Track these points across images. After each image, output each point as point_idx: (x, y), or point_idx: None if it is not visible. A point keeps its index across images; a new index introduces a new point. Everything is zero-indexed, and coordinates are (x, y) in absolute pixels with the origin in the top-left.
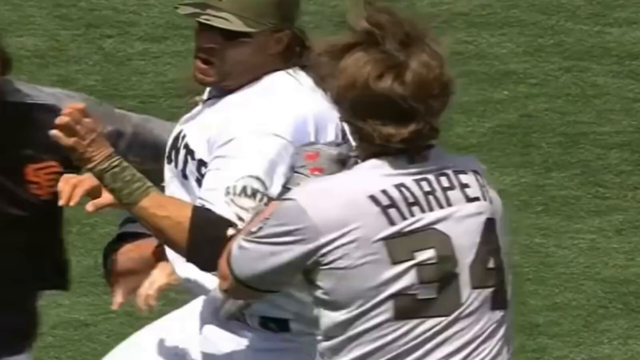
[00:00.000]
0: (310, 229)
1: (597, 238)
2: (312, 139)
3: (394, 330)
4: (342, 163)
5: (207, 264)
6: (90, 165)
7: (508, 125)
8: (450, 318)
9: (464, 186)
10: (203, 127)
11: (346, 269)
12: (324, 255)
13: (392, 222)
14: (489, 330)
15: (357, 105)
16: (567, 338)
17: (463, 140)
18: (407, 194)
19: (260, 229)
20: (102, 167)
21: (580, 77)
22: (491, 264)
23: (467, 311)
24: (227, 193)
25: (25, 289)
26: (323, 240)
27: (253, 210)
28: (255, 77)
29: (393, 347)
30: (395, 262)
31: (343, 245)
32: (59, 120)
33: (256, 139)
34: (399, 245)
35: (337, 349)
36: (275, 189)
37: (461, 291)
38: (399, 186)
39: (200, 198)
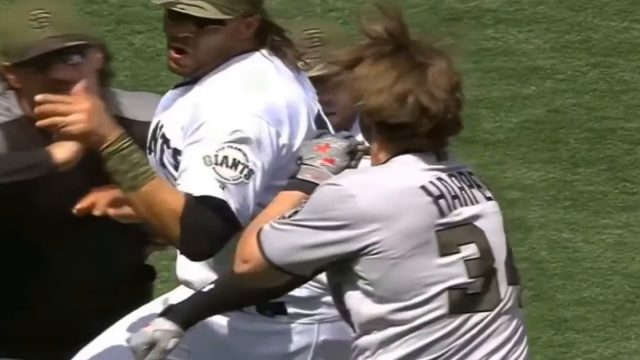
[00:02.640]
0: (358, 215)
1: (624, 233)
2: (287, 123)
3: (448, 325)
4: (352, 155)
5: (198, 256)
6: (102, 147)
7: (536, 121)
8: (494, 313)
9: (479, 186)
10: (177, 115)
11: (399, 259)
12: (372, 244)
13: (442, 214)
14: (520, 331)
15: (382, 110)
16: (595, 333)
17: (491, 135)
18: (450, 187)
19: (296, 212)
20: (113, 149)
21: (607, 73)
22: (514, 263)
23: (507, 308)
24: (209, 163)
25: (121, 296)
26: (370, 228)
27: (235, 181)
28: (226, 60)
29: (447, 342)
30: (443, 255)
31: (393, 235)
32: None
33: (228, 120)
34: (447, 238)
35: (387, 343)
36: (254, 163)
37: (500, 287)
38: (439, 180)
39: (180, 184)
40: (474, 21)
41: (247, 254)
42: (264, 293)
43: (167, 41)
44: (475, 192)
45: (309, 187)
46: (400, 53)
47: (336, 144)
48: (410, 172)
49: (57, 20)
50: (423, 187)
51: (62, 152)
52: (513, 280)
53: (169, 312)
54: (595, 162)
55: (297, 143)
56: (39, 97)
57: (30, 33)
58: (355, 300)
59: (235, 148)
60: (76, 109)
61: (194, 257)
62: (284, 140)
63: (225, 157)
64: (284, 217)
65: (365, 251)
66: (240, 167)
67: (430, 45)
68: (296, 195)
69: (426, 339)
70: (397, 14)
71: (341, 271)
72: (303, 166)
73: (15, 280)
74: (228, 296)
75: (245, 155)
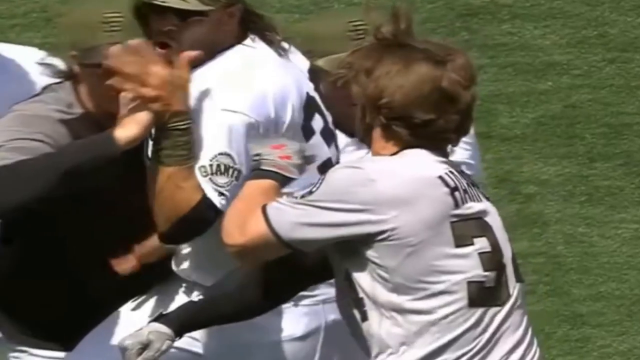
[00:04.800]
0: (377, 200)
1: None
2: (273, 115)
3: (468, 319)
4: (303, 157)
5: (175, 242)
6: (166, 117)
7: (552, 116)
8: (507, 309)
9: (477, 185)
10: None
11: (415, 246)
12: (389, 230)
13: (457, 205)
14: (530, 331)
15: (408, 105)
16: (610, 328)
17: (507, 130)
18: (460, 181)
19: (310, 192)
20: (171, 125)
21: (624, 68)
22: (517, 261)
23: (517, 304)
24: (205, 174)
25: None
26: (388, 214)
27: (228, 186)
28: (214, 54)
29: (470, 337)
30: (458, 246)
31: (410, 222)
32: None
33: (217, 117)
34: (461, 230)
35: (411, 338)
36: (241, 162)
37: (509, 283)
38: (452, 173)
39: None
40: (489, 16)
41: (248, 226)
42: (250, 308)
43: (151, 37)
44: (477, 190)
45: (274, 177)
46: (417, 52)
47: (289, 143)
48: (426, 163)
49: (129, 26)
50: (440, 177)
51: (124, 131)
52: (518, 277)
53: (161, 318)
54: (611, 156)
55: (283, 131)
56: (133, 42)
57: (97, 35)
58: (368, 286)
59: (225, 154)
60: (155, 71)
61: (172, 241)
62: (269, 133)
63: (218, 166)
64: (295, 197)
65: (382, 236)
66: (231, 171)
67: (442, 44)
68: (264, 182)
69: (449, 333)
70: (407, 17)
71: (350, 256)
72: (263, 160)
73: (66, 277)
74: (216, 308)
75: (232, 158)
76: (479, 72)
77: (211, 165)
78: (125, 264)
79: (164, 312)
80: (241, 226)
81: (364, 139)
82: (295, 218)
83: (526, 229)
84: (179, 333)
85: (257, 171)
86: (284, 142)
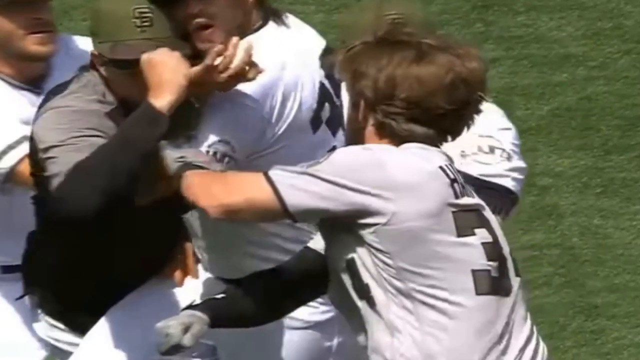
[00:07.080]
0: (383, 183)
1: None
2: (278, 104)
3: (477, 308)
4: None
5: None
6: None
7: (567, 108)
8: (512, 300)
9: (470, 184)
10: None
11: (417, 232)
12: (390, 213)
13: (456, 196)
14: (535, 328)
15: (429, 96)
16: (625, 319)
17: (522, 123)
18: (457, 175)
19: (318, 163)
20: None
21: (639, 60)
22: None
23: (519, 297)
24: None
25: None
26: (391, 198)
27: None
28: (237, 34)
29: (483, 325)
30: (460, 235)
31: (413, 209)
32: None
33: (221, 105)
34: (461, 220)
35: (421, 323)
36: (240, 152)
37: (510, 276)
38: (450, 166)
39: None
40: (505, 8)
41: (244, 187)
42: (260, 316)
43: (183, 23)
44: (470, 188)
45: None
46: (429, 44)
47: (207, 155)
48: (428, 154)
49: (160, 22)
50: (441, 168)
51: (160, 100)
52: (517, 272)
53: (192, 307)
54: (626, 148)
55: (286, 124)
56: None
57: (128, 29)
58: (373, 267)
59: (225, 141)
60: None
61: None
62: (272, 124)
63: (215, 153)
64: (301, 167)
65: (382, 220)
66: (226, 159)
67: (451, 37)
68: (205, 171)
69: (460, 322)
70: (412, 23)
71: (352, 241)
72: (190, 160)
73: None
74: (233, 307)
75: (232, 147)
76: (494, 64)
77: (208, 152)
78: (180, 276)
79: (194, 304)
80: (227, 188)
81: (356, 140)
82: (298, 184)
83: (541, 220)
84: (212, 322)
85: (189, 166)
86: (201, 152)
